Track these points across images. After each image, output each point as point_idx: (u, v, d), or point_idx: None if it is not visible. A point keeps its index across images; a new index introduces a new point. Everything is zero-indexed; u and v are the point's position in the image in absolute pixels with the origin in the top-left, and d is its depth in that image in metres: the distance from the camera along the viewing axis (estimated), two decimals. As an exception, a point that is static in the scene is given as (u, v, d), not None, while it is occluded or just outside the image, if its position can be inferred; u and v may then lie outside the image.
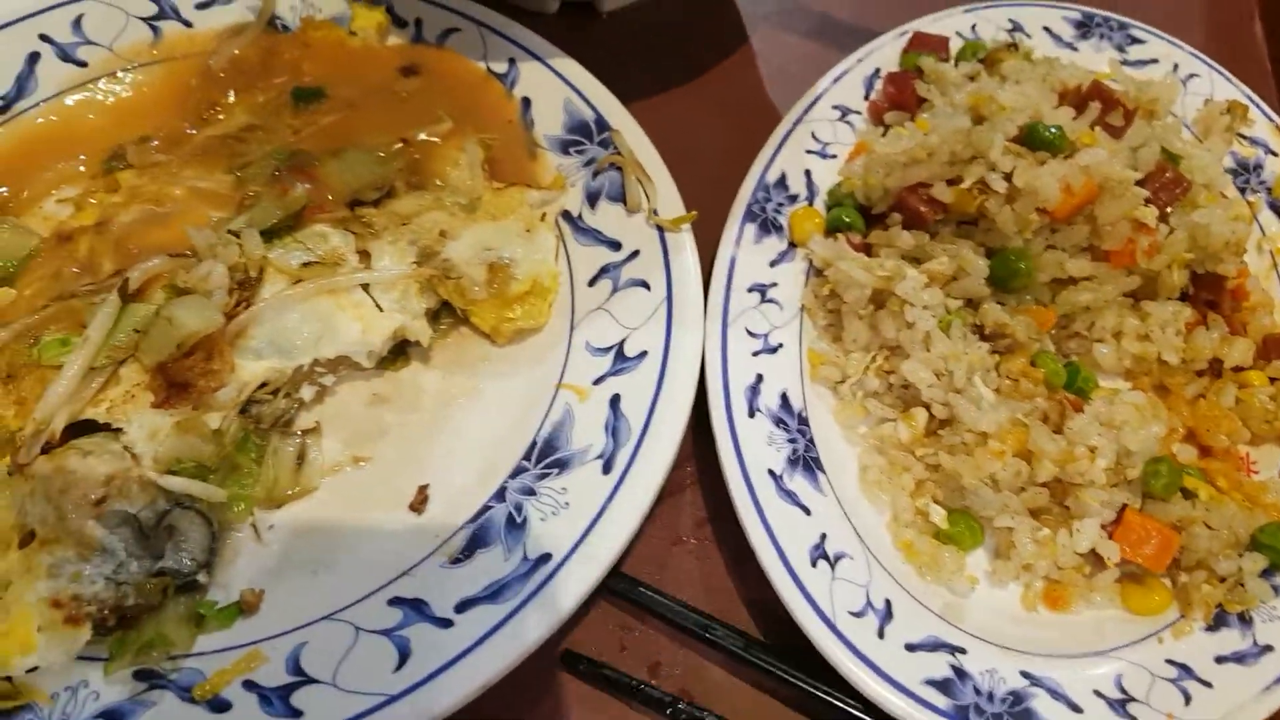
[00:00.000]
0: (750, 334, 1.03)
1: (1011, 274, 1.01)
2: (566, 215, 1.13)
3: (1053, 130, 1.01)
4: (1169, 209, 1.03)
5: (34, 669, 0.79)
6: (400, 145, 1.11)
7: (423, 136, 1.13)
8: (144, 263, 0.95)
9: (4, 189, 1.11)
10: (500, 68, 1.22)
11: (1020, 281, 1.01)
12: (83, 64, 1.19)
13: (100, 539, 0.84)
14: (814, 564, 0.89)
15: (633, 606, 0.94)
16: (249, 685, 0.81)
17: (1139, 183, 1.03)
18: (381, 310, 1.00)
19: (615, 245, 1.09)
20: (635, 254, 1.08)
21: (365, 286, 1.00)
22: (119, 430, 0.89)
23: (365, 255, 1.03)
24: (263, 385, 0.95)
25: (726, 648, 0.91)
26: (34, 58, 1.17)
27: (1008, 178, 1.00)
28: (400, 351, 1.04)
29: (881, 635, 0.86)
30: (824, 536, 0.91)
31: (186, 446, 0.89)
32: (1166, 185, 1.03)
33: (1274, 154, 1.20)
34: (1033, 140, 1.01)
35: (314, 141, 1.11)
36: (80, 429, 0.90)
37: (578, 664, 0.91)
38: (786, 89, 1.29)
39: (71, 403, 0.89)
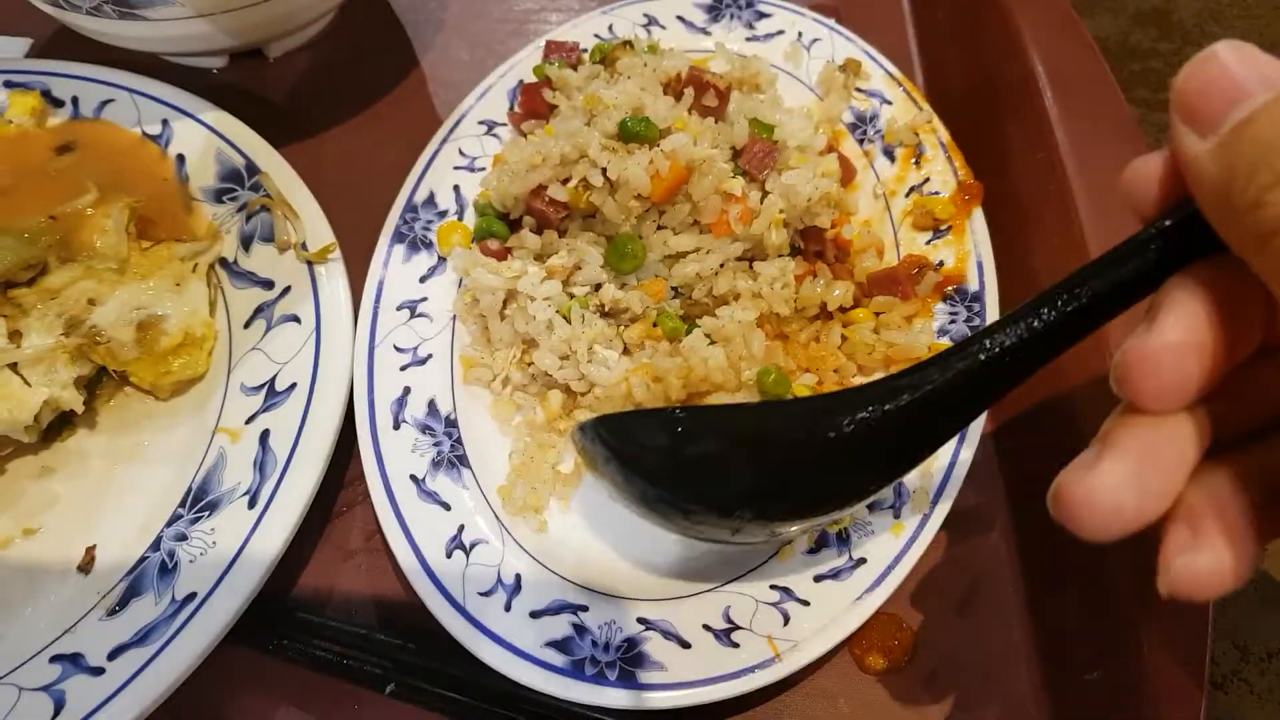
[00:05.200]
0: (398, 349, 1.11)
1: (622, 257, 1.10)
2: (224, 262, 1.18)
3: (640, 122, 1.09)
4: (764, 176, 1.13)
5: None
6: (48, 221, 1.15)
7: (70, 209, 1.17)
8: None
9: None
10: (154, 129, 1.27)
11: (631, 264, 1.10)
12: None
13: None
14: (449, 555, 0.97)
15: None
16: (-99, 768, 0.86)
17: (737, 155, 1.13)
18: (31, 386, 1.04)
19: (268, 284, 1.16)
20: (287, 290, 1.14)
21: (14, 367, 1.05)
22: None
23: (18, 335, 1.08)
24: (-89, 478, 0.99)
25: (390, 657, 0.98)
26: None
27: (605, 172, 1.09)
28: (67, 421, 1.09)
29: (508, 609, 0.94)
30: (461, 528, 0.99)
31: None
32: (758, 155, 1.13)
33: (888, 103, 1.30)
34: (625, 134, 1.10)
35: (-38, 235, 1.14)
36: None
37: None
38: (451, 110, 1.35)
39: None
